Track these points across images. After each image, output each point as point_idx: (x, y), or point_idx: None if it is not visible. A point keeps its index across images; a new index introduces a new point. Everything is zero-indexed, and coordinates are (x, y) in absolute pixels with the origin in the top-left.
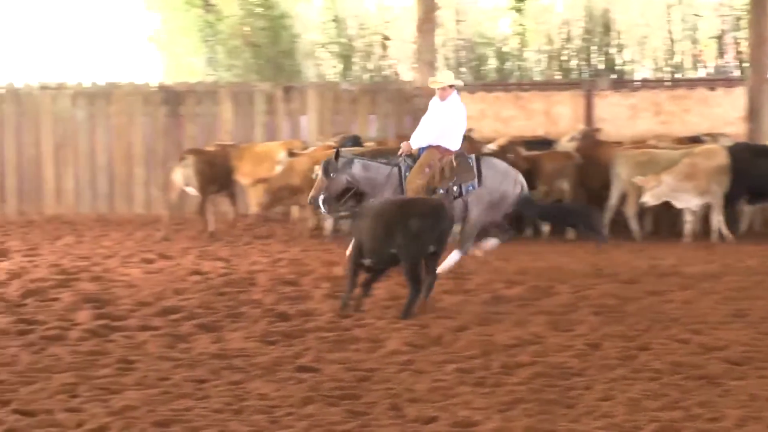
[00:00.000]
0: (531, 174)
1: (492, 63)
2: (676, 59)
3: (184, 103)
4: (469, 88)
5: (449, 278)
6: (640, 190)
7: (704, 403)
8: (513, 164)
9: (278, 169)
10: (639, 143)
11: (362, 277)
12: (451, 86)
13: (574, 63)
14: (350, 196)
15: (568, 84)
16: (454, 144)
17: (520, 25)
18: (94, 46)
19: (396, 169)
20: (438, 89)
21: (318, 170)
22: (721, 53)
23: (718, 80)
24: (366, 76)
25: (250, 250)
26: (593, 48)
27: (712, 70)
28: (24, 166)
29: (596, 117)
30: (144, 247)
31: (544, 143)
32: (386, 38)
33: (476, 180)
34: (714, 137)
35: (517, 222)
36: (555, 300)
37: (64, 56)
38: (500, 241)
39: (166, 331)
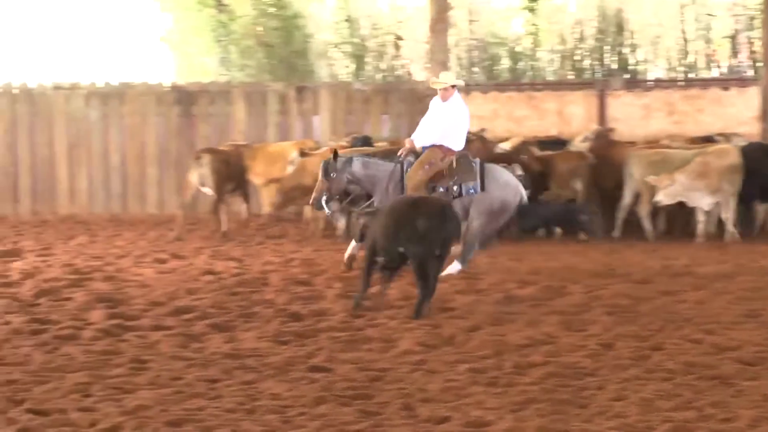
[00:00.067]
0: (544, 174)
1: (505, 63)
2: (690, 59)
3: (197, 103)
4: (482, 88)
5: (462, 278)
6: (653, 190)
7: (717, 404)
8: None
9: (290, 169)
10: (652, 143)
11: (378, 275)
12: (452, 86)
13: (587, 63)
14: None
15: (581, 84)
16: (457, 144)
17: (533, 24)
18: (108, 46)
19: (398, 166)
20: (440, 89)
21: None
22: (734, 53)
23: (732, 80)
24: (379, 76)
25: (263, 250)
26: (606, 48)
27: (725, 70)
28: (37, 166)
29: (609, 117)
30: (157, 246)
31: (558, 143)
32: (399, 38)
33: (478, 184)
34: (727, 137)
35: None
36: (568, 300)
37: (78, 56)
38: (485, 249)
39: (179, 331)
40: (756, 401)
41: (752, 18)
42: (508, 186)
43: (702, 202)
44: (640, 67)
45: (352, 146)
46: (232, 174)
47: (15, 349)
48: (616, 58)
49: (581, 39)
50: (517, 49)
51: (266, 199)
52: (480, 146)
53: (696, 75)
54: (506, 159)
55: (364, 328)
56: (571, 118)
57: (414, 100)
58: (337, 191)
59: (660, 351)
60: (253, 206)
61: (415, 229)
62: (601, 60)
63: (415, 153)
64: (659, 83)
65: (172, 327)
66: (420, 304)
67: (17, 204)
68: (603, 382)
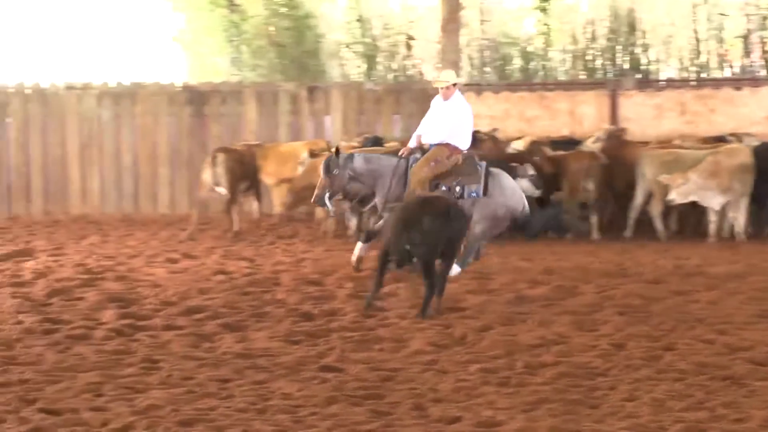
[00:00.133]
0: (556, 174)
1: (516, 63)
2: (702, 59)
3: (208, 103)
4: (494, 88)
5: (473, 278)
6: (665, 190)
7: (729, 404)
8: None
9: (300, 169)
10: (664, 143)
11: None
12: (454, 84)
13: (599, 62)
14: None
15: (592, 84)
16: (464, 143)
17: (545, 24)
18: (120, 46)
19: (403, 161)
20: (441, 88)
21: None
22: (747, 53)
23: (744, 80)
24: (390, 76)
25: (274, 250)
26: (618, 47)
27: (737, 70)
28: (50, 166)
29: (621, 117)
30: (169, 246)
31: (570, 143)
32: (410, 38)
33: (481, 187)
34: (739, 137)
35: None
36: (579, 300)
37: (90, 56)
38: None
39: (191, 331)
40: None
41: (765, 18)
42: (513, 193)
43: (713, 201)
44: (652, 67)
45: (362, 146)
46: (245, 173)
47: (27, 349)
48: (628, 58)
49: (593, 39)
50: (529, 48)
51: (277, 199)
52: (492, 146)
53: (708, 75)
54: (518, 159)
55: (376, 328)
56: (583, 118)
57: (425, 100)
58: (340, 188)
59: (672, 351)
60: (265, 206)
61: (421, 228)
62: (613, 60)
63: (422, 149)
64: (671, 83)
65: (183, 327)
66: (426, 302)
67: (29, 204)
68: (615, 383)
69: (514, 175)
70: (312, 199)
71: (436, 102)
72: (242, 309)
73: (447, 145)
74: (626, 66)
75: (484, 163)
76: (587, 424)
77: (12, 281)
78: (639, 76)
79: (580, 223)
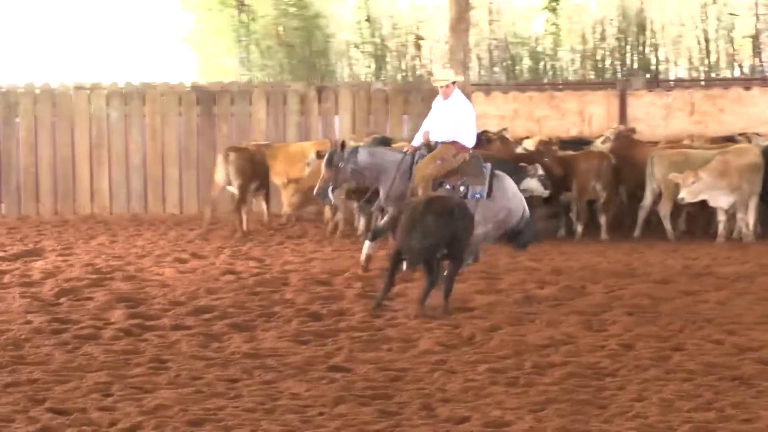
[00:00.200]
0: (565, 175)
1: (526, 62)
2: (711, 58)
3: (217, 103)
4: (503, 88)
5: (481, 278)
6: (674, 190)
7: (738, 404)
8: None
9: (308, 169)
10: (673, 143)
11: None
12: (453, 83)
13: (608, 62)
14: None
15: (602, 83)
16: (469, 141)
17: (554, 24)
18: (129, 46)
19: (408, 156)
20: (441, 87)
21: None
22: (756, 52)
23: (754, 80)
24: (399, 76)
25: (283, 250)
26: (627, 47)
27: (747, 70)
28: (59, 165)
29: (630, 117)
30: (177, 246)
31: (580, 143)
32: (419, 38)
33: (485, 189)
34: (748, 137)
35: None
36: (588, 300)
37: (99, 56)
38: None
39: (199, 331)
40: None
41: None
42: (515, 197)
43: (722, 201)
44: (661, 67)
45: None
46: (256, 173)
47: (36, 349)
48: (638, 58)
49: (602, 38)
50: (538, 48)
51: (286, 199)
52: (501, 146)
53: (717, 75)
54: (527, 159)
55: (384, 328)
56: (592, 117)
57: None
58: (342, 181)
59: (680, 351)
60: (274, 206)
61: (424, 226)
62: (622, 59)
63: (429, 147)
64: (680, 83)
65: (192, 327)
66: (425, 293)
67: (38, 204)
68: (623, 383)
69: (524, 175)
70: (314, 192)
71: (437, 102)
72: (251, 309)
73: (454, 143)
74: (635, 66)
75: (489, 165)
76: (595, 424)
77: (21, 281)
78: (648, 76)
79: (547, 222)
